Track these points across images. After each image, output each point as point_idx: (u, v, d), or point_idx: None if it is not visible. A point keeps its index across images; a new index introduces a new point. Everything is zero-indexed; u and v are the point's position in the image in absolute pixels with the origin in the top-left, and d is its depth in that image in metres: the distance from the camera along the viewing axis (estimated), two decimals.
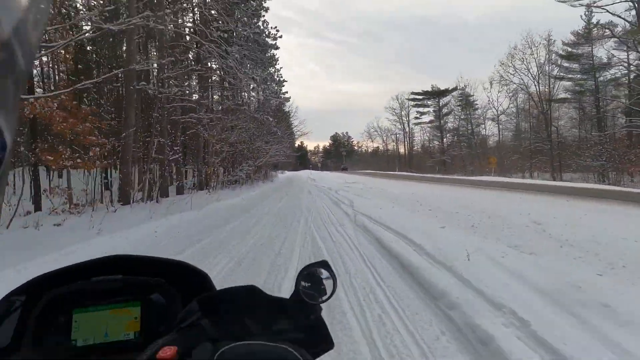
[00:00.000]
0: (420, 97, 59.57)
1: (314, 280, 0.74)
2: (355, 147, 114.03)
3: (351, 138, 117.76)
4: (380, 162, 76.67)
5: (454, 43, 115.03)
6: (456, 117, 51.25)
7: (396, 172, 47.86)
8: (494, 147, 43.92)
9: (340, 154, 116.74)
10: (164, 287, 0.85)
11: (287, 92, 32.71)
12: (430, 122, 58.85)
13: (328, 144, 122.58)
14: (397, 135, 72.31)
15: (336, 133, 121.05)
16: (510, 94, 38.48)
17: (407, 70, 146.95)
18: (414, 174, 37.82)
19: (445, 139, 53.16)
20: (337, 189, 19.29)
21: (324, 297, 0.73)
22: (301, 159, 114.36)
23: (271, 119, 24.82)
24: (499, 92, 51.34)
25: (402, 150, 72.33)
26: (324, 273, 0.75)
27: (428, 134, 60.84)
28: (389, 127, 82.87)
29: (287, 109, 37.59)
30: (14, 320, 0.78)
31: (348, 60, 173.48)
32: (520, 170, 35.40)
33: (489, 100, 48.73)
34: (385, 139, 77.78)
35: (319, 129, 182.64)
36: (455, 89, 51.33)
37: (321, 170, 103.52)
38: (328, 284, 0.75)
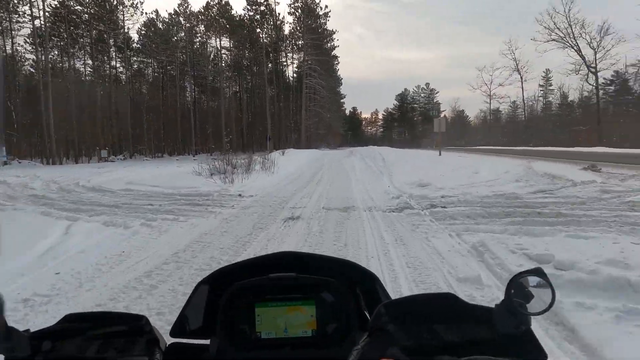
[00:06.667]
0: None
1: (524, 288, 0.66)
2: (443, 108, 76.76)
3: (435, 92, 79.73)
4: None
5: None
6: None
7: None
8: None
9: (411, 120, 79.59)
10: (334, 286, 0.87)
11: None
12: None
13: (392, 107, 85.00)
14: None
15: (405, 90, 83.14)
16: None
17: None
18: None
19: None
20: None
21: (540, 309, 0.65)
22: (354, 131, 79.04)
23: None
24: None
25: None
26: (537, 281, 0.66)
27: None
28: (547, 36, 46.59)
29: None
30: (202, 305, 0.88)
31: (401, 22, 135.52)
32: None
33: None
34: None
35: (365, 101, 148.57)
36: None
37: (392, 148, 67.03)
38: (540, 293, 0.66)
